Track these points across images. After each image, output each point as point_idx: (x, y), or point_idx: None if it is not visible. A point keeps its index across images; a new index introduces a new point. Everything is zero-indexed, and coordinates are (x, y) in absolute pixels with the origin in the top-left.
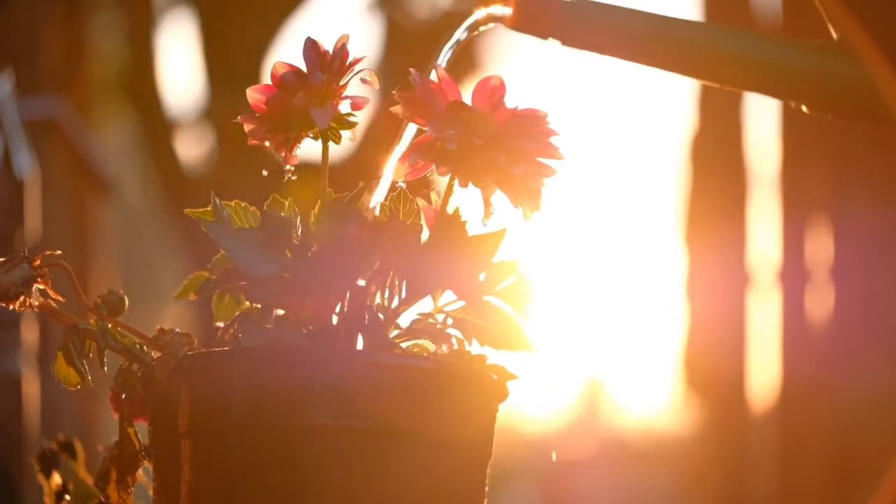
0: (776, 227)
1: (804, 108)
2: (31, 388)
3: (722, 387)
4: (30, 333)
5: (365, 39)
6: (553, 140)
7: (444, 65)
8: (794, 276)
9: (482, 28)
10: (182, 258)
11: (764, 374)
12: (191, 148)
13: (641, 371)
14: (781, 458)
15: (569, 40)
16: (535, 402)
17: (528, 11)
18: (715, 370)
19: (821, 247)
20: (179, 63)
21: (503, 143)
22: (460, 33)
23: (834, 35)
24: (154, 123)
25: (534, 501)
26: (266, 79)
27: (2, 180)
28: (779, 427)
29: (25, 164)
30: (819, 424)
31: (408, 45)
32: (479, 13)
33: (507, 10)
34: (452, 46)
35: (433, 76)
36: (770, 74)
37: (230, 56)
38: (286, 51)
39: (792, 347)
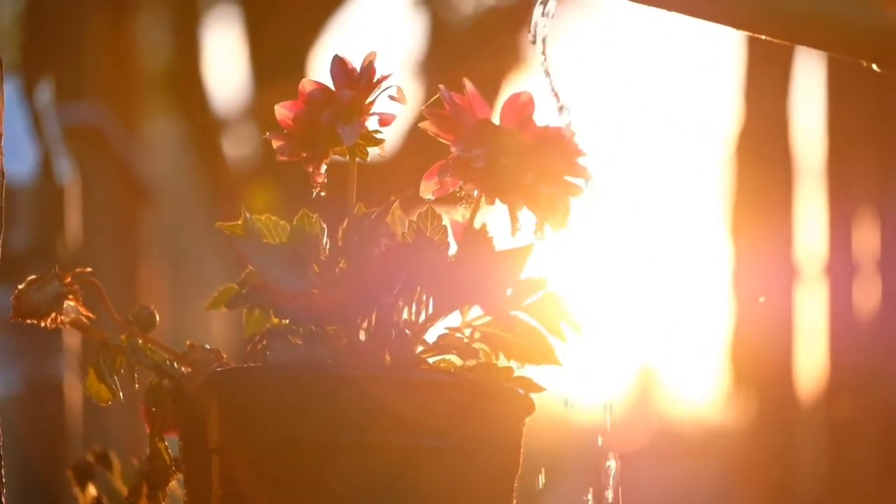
0: (823, 219)
1: (875, 68)
2: (74, 393)
3: (770, 378)
4: (72, 338)
5: (409, 36)
6: (581, 160)
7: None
8: (841, 267)
9: None
10: (229, 261)
11: (812, 366)
12: (237, 147)
13: (691, 363)
14: (829, 449)
15: None
16: (587, 394)
17: None
18: (763, 362)
19: (867, 239)
20: (225, 63)
21: (531, 162)
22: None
23: None
24: (200, 124)
25: (585, 492)
26: (312, 75)
27: (43, 187)
28: (827, 418)
29: (66, 171)
30: (867, 415)
31: (453, 41)
32: None
33: None
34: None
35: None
36: (840, 32)
37: (275, 54)
38: (331, 48)
39: (839, 339)
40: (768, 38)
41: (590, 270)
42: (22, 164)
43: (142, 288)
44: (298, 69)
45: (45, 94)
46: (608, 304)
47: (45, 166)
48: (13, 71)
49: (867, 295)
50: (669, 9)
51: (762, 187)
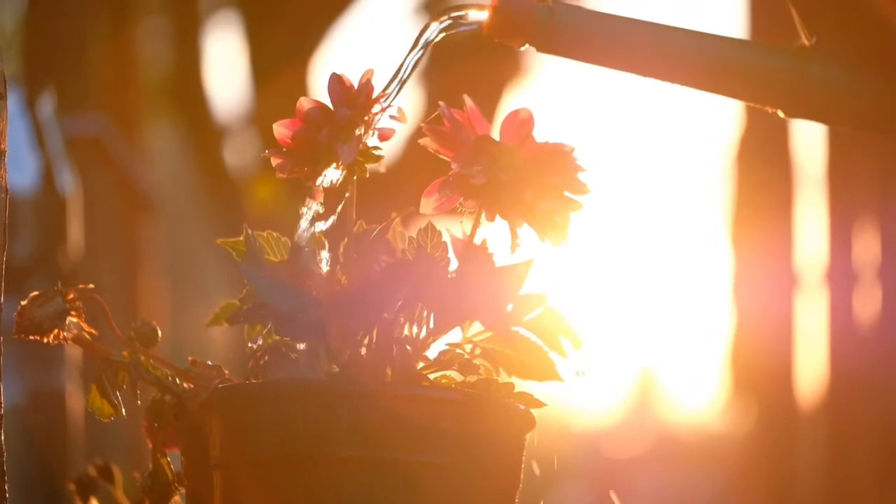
0: (823, 226)
1: (781, 114)
2: (75, 404)
3: (770, 385)
4: (75, 350)
5: (409, 43)
6: (580, 175)
7: (409, 70)
8: (841, 275)
9: (460, 29)
10: (232, 271)
11: (811, 374)
12: (239, 156)
13: (691, 369)
14: (829, 457)
15: (545, 46)
16: (587, 399)
17: (506, 17)
18: (763, 369)
19: (868, 246)
20: (226, 71)
21: (530, 178)
22: (429, 35)
23: (806, 40)
24: (201, 133)
25: (585, 498)
26: (312, 83)
27: (45, 198)
28: (826, 426)
29: (68, 181)
30: (866, 423)
31: (452, 49)
32: (449, 18)
33: (482, 15)
34: (420, 50)
35: (465, 106)
36: (748, 79)
37: (276, 62)
38: (332, 54)
39: (839, 346)
40: (676, 85)
41: (590, 278)
42: (24, 175)
43: (143, 298)
44: (299, 77)
45: (46, 105)
46: (609, 310)
47: (47, 177)
48: (15, 82)
49: (867, 302)
50: (580, 59)
51: (763, 194)
